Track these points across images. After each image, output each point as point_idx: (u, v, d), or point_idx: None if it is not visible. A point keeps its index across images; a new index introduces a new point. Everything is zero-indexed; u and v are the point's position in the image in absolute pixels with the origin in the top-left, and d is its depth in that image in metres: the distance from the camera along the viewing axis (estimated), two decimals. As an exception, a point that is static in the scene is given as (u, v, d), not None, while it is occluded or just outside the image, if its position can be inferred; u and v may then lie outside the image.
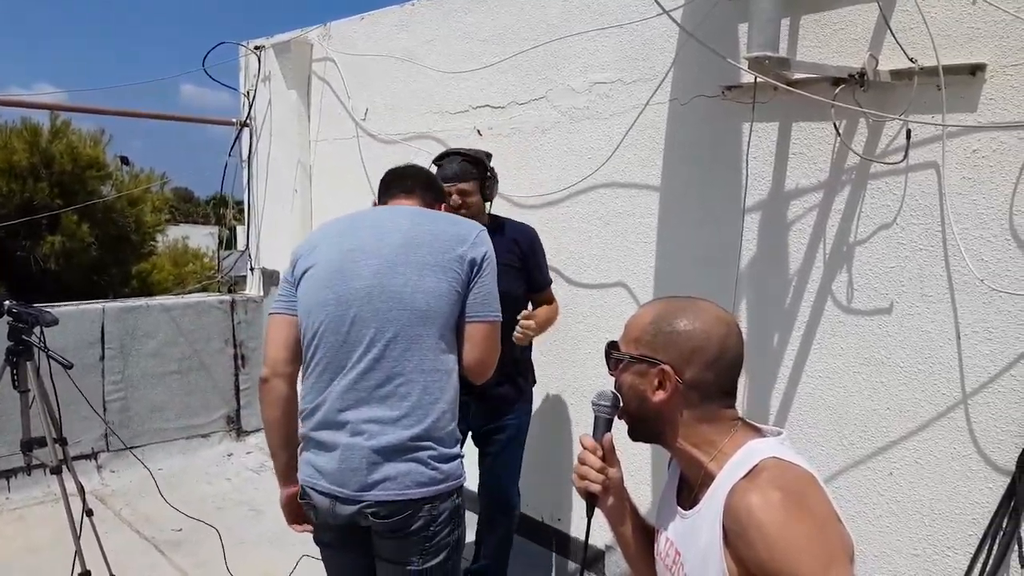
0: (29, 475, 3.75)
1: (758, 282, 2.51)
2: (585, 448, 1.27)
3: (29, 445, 2.60)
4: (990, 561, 2.02)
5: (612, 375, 1.26)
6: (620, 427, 1.26)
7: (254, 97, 4.76)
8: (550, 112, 3.14)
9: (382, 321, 1.68)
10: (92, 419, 3.82)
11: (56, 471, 2.52)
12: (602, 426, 1.26)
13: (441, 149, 3.34)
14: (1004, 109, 1.98)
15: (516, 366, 2.60)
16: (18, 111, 8.26)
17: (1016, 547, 1.98)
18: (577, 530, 3.15)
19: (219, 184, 5.01)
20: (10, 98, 8.47)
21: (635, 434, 1.26)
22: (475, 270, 1.76)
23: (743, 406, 2.24)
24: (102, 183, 8.87)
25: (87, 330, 4.08)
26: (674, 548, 1.23)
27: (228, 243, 6.85)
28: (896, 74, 2.11)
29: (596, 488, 1.26)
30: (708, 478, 1.16)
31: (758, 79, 2.23)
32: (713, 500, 1.12)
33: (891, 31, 2.10)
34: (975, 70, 1.99)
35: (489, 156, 2.64)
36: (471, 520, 2.12)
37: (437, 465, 1.69)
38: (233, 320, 4.69)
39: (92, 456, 4.08)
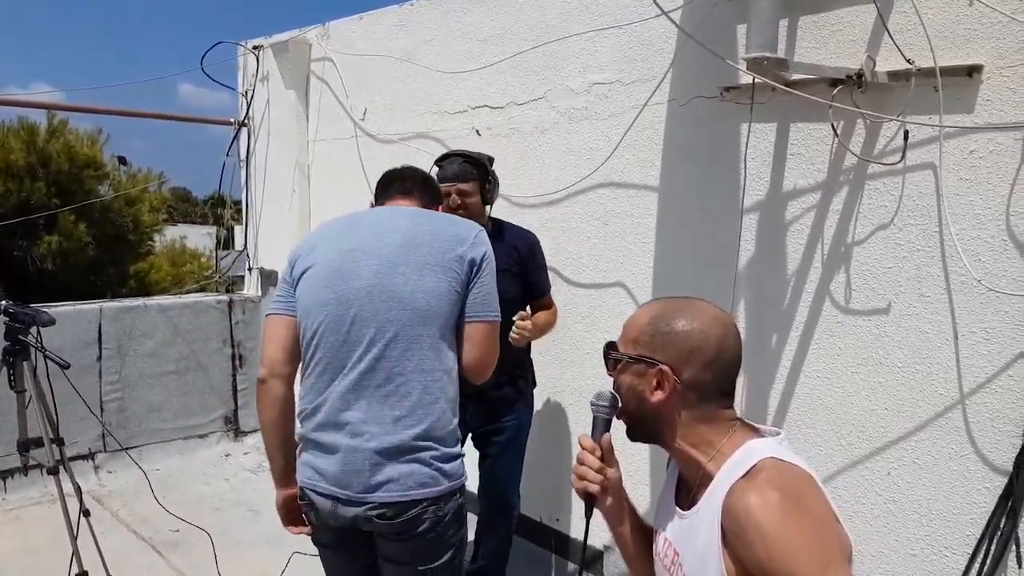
0: (26, 475, 3.75)
1: (756, 282, 2.52)
2: (584, 448, 1.27)
3: (26, 445, 2.59)
4: (988, 561, 2.02)
5: (610, 375, 1.26)
6: (619, 427, 1.26)
7: (252, 97, 4.75)
8: (549, 112, 3.14)
9: (382, 321, 1.68)
10: (89, 419, 3.81)
11: (53, 471, 2.52)
12: (601, 426, 1.26)
13: (440, 149, 3.35)
14: (1001, 110, 1.98)
15: (515, 367, 2.60)
16: (15, 110, 8.25)
17: (1014, 547, 1.99)
18: (576, 530, 3.15)
19: (217, 184, 5.02)
20: (9, 98, 8.45)
21: (633, 434, 1.26)
22: (474, 270, 1.76)
23: (741, 406, 2.24)
24: (99, 183, 8.87)
25: (84, 330, 4.07)
26: (672, 548, 1.23)
27: (226, 243, 6.85)
28: (893, 75, 2.12)
29: (595, 488, 1.26)
30: (706, 478, 1.16)
31: (756, 80, 2.24)
32: (711, 500, 1.13)
33: (888, 32, 2.11)
34: (972, 71, 1.99)
35: (491, 160, 2.64)
36: (471, 520, 2.12)
37: (439, 465, 1.69)
38: (231, 320, 4.68)
39: (89, 456, 4.07)
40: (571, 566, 3.20)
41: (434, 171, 2.59)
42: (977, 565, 2.05)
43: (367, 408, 1.67)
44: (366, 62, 3.96)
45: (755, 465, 1.10)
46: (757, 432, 1.20)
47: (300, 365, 1.80)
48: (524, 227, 2.73)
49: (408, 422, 1.67)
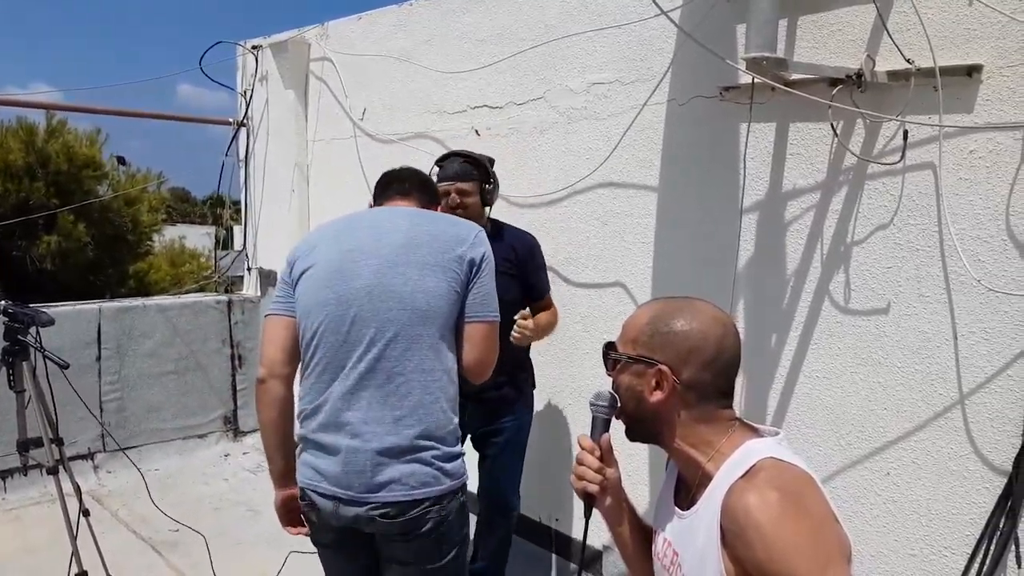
0: (25, 475, 3.75)
1: (755, 282, 2.52)
2: (583, 448, 1.27)
3: (25, 445, 2.58)
4: (987, 561, 2.02)
5: (610, 375, 1.26)
6: (618, 427, 1.26)
7: (251, 97, 4.75)
8: (548, 112, 3.14)
9: (382, 321, 1.68)
10: (88, 419, 3.81)
11: (52, 471, 2.52)
12: (600, 426, 1.26)
13: (439, 149, 3.35)
14: (1000, 110, 1.98)
15: (515, 368, 2.60)
16: (14, 110, 8.25)
17: (1013, 547, 1.99)
18: (575, 530, 3.15)
19: (216, 184, 5.02)
20: (8, 98, 8.45)
21: (632, 434, 1.26)
22: (474, 270, 1.76)
23: (740, 406, 2.25)
24: (98, 183, 8.87)
25: (83, 330, 4.07)
26: (672, 548, 1.23)
27: (225, 243, 6.84)
28: (893, 75, 2.12)
29: (594, 488, 1.26)
30: (706, 478, 1.16)
31: (756, 80, 2.23)
32: (711, 500, 1.13)
33: (888, 32, 2.11)
34: (971, 71, 1.99)
35: (492, 161, 2.64)
36: (471, 520, 2.12)
37: (441, 465, 1.69)
38: (230, 320, 4.68)
39: (89, 456, 4.07)
40: (571, 566, 3.20)
41: (435, 171, 2.59)
42: (976, 565, 2.05)
43: (367, 408, 1.67)
44: (365, 62, 3.96)
45: (754, 465, 1.10)
46: (756, 432, 1.20)
47: (300, 365, 1.80)
48: (523, 228, 2.73)
49: (409, 422, 1.67)
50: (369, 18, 3.99)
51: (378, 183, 1.99)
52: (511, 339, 2.37)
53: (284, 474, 1.85)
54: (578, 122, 3.03)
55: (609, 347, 1.26)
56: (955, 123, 2.04)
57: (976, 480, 2.07)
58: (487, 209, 2.62)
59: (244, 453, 4.54)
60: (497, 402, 2.59)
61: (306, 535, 1.88)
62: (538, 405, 2.83)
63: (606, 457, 1.27)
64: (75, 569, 2.54)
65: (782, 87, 2.10)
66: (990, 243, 2.01)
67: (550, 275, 2.79)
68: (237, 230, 5.49)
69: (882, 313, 2.23)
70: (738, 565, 1.07)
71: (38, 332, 2.59)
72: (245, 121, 4.83)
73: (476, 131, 3.42)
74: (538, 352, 2.79)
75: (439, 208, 2.02)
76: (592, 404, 1.26)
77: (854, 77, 2.12)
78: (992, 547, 2.01)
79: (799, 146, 2.38)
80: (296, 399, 1.81)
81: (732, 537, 1.07)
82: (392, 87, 3.85)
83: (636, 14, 2.75)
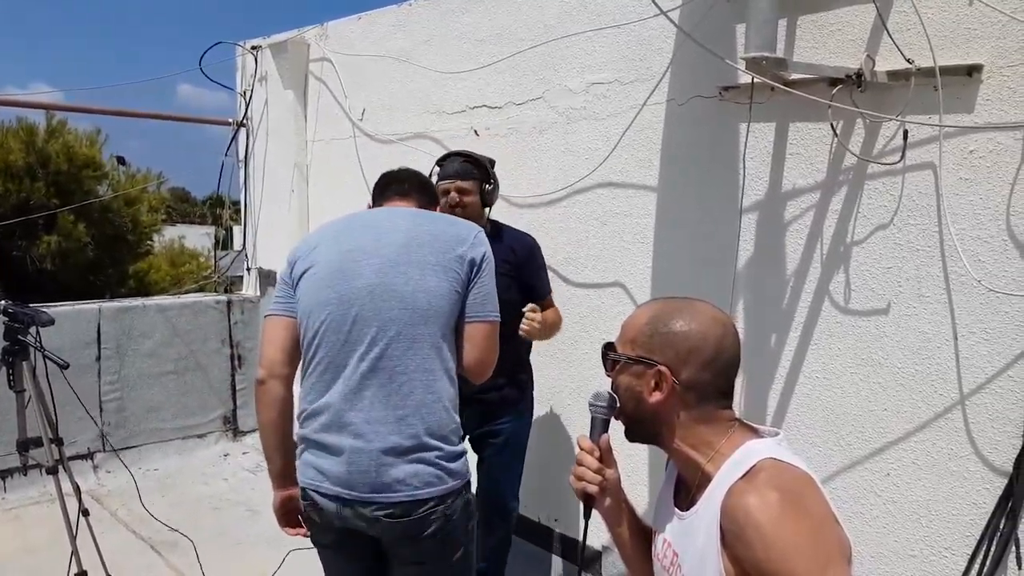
0: (25, 475, 3.75)
1: (755, 282, 2.51)
2: (582, 449, 1.27)
3: (25, 445, 2.59)
4: (987, 562, 2.02)
5: (609, 376, 1.26)
6: (617, 428, 1.26)
7: (251, 97, 4.75)
8: (547, 112, 3.14)
9: (384, 320, 1.67)
10: (88, 419, 3.80)
11: (52, 471, 2.52)
12: (599, 427, 1.26)
13: (438, 149, 3.35)
14: (1001, 110, 1.98)
15: (515, 368, 2.59)
16: (14, 111, 8.25)
17: (1013, 548, 1.98)
18: (575, 531, 3.14)
19: (216, 184, 5.02)
20: (8, 98, 8.45)
21: (632, 435, 1.25)
22: (474, 270, 1.76)
23: (740, 407, 2.24)
24: (98, 183, 8.88)
25: (83, 330, 4.07)
26: (671, 549, 1.23)
27: (225, 243, 6.84)
28: (893, 75, 2.12)
29: (593, 489, 1.25)
30: (705, 479, 1.16)
31: (755, 80, 2.23)
32: (710, 501, 1.12)
33: (888, 32, 2.10)
34: (972, 71, 1.99)
35: (492, 162, 2.64)
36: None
37: (444, 464, 1.69)
38: (230, 320, 4.68)
39: (88, 456, 4.07)
40: (570, 566, 3.19)
41: (435, 170, 2.59)
42: (977, 566, 2.05)
43: (370, 408, 1.67)
44: (364, 62, 3.96)
45: (754, 466, 1.10)
46: (756, 432, 1.20)
47: (300, 365, 1.80)
48: (523, 229, 2.73)
49: (412, 421, 1.67)
50: (368, 18, 3.99)
51: (377, 184, 1.99)
52: (520, 332, 2.36)
53: (283, 474, 1.85)
54: (577, 122, 3.03)
55: (608, 347, 1.25)
56: (955, 123, 2.04)
57: (976, 481, 2.07)
58: (487, 210, 2.62)
59: (243, 453, 4.54)
60: (498, 402, 2.59)
61: (304, 536, 1.88)
62: (537, 405, 2.82)
63: (605, 458, 1.27)
64: (75, 569, 2.54)
65: (782, 87, 2.10)
66: (990, 243, 2.01)
67: (549, 275, 2.78)
68: (237, 230, 5.49)
69: (882, 313, 2.23)
70: (738, 565, 1.07)
71: (38, 332, 2.59)
72: (244, 121, 4.83)
73: (475, 131, 3.42)
74: (538, 352, 2.79)
75: (438, 208, 2.02)
76: (591, 405, 1.26)
77: (854, 77, 2.12)
78: (992, 548, 2.01)
79: (799, 146, 2.38)
80: (297, 399, 1.80)
81: (732, 537, 1.07)
82: (391, 87, 3.85)
83: (635, 14, 2.75)
